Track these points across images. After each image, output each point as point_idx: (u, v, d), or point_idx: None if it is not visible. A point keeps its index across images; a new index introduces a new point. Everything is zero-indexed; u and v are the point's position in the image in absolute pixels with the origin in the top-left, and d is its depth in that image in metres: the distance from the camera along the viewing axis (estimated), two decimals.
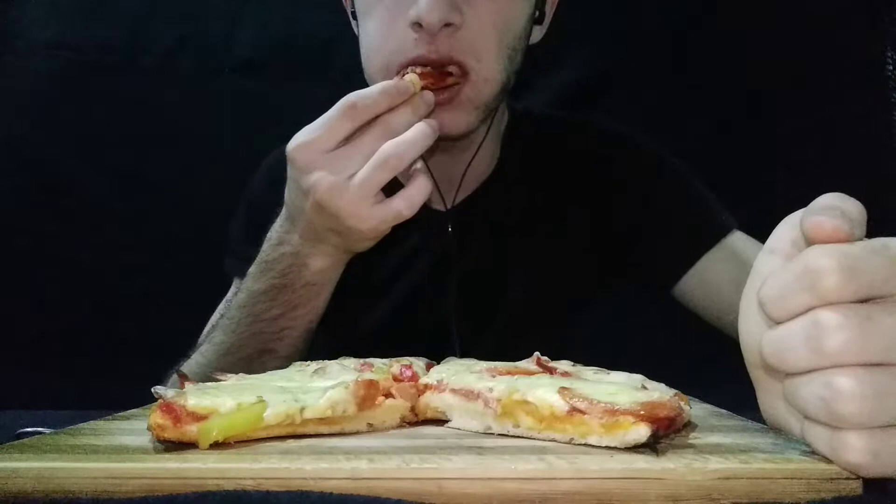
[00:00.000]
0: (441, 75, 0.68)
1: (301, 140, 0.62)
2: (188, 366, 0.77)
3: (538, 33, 0.81)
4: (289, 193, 0.68)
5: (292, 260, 0.69)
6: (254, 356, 0.72)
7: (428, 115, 0.67)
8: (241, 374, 0.52)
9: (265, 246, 0.71)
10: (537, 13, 0.78)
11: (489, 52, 0.70)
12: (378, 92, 0.62)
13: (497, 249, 0.86)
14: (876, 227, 0.35)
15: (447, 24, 0.67)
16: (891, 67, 1.14)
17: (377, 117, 0.62)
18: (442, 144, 0.79)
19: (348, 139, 0.61)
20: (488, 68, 0.71)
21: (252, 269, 0.72)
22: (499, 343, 0.84)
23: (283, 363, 0.70)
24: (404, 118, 0.62)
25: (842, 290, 0.32)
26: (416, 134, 0.62)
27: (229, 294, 0.86)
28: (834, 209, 0.34)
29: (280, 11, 1.22)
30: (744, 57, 1.17)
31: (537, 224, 0.86)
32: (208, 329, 0.82)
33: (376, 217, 0.63)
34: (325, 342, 0.94)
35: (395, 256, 0.86)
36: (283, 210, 0.70)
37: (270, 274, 0.70)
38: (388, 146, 0.61)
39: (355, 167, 0.61)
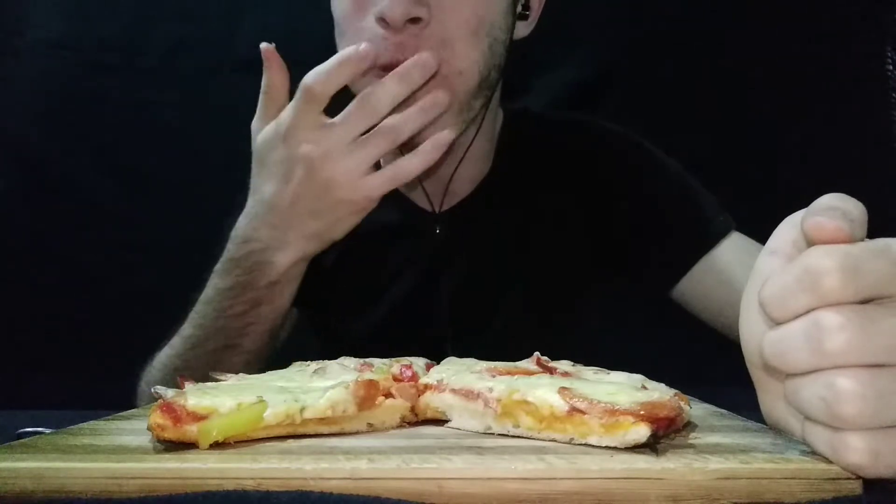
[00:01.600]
0: None
1: (283, 120, 0.65)
2: (159, 358, 0.77)
3: (524, 29, 0.79)
4: (262, 178, 0.68)
5: (258, 257, 0.69)
6: (219, 350, 0.72)
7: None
8: (241, 374, 0.52)
9: (230, 244, 0.71)
10: (520, 7, 0.76)
11: (460, 44, 0.68)
12: (336, 64, 0.63)
13: (493, 252, 0.85)
14: (876, 227, 0.35)
15: (413, 21, 0.65)
16: (891, 67, 1.13)
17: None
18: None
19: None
20: (460, 60, 0.68)
21: (218, 265, 0.72)
22: (495, 346, 0.83)
23: (248, 358, 0.71)
24: (390, 93, 0.63)
25: (843, 291, 0.32)
26: (422, 105, 0.63)
27: None
28: (835, 210, 0.34)
29: (280, 11, 1.22)
30: (744, 57, 1.17)
31: (534, 226, 0.86)
32: None
33: (369, 185, 0.64)
34: (323, 344, 0.94)
35: (390, 259, 0.86)
36: (249, 207, 0.70)
37: (236, 271, 0.70)
38: (388, 118, 0.62)
39: (349, 138, 0.62)
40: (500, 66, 0.73)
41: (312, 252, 0.70)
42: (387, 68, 0.66)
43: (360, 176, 0.63)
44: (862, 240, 0.34)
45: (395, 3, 0.64)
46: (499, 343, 0.83)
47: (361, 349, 0.86)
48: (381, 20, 0.66)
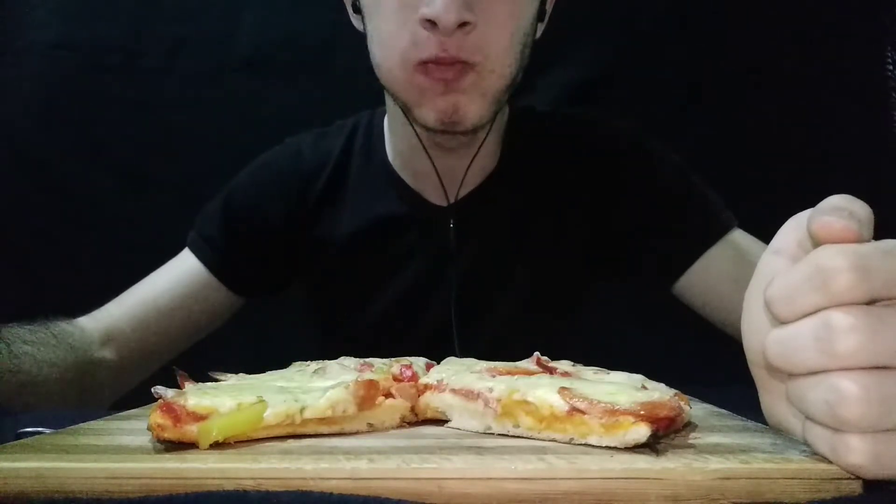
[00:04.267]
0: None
1: None
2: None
3: (539, 30, 0.81)
4: None
5: None
6: None
7: (439, 102, 0.69)
8: (241, 374, 0.52)
9: None
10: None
11: (498, 49, 0.70)
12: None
13: (497, 245, 0.86)
14: (876, 227, 0.35)
15: (462, 24, 0.66)
16: (891, 67, 1.13)
17: None
18: (448, 142, 0.79)
19: None
20: (495, 62, 0.71)
21: None
22: (498, 337, 0.84)
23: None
24: None
25: (854, 291, 0.32)
26: None
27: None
28: (842, 210, 0.33)
29: (280, 11, 1.22)
30: (744, 57, 1.17)
31: (538, 220, 0.86)
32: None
33: None
34: (325, 336, 0.95)
35: (395, 251, 0.86)
36: None
37: None
38: None
39: None
40: (524, 67, 0.76)
41: None
42: (426, 63, 0.69)
43: None
44: (869, 240, 0.33)
45: (448, 9, 0.65)
46: (501, 336, 0.84)
47: (367, 340, 0.87)
48: (430, 22, 0.66)
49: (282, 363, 0.57)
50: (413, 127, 0.80)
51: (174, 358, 0.88)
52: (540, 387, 0.42)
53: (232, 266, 0.88)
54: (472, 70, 0.70)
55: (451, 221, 0.83)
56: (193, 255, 0.88)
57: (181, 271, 0.88)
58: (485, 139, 0.82)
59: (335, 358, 0.55)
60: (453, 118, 0.72)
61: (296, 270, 0.93)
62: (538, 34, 0.80)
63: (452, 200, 0.84)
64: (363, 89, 0.82)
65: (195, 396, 0.40)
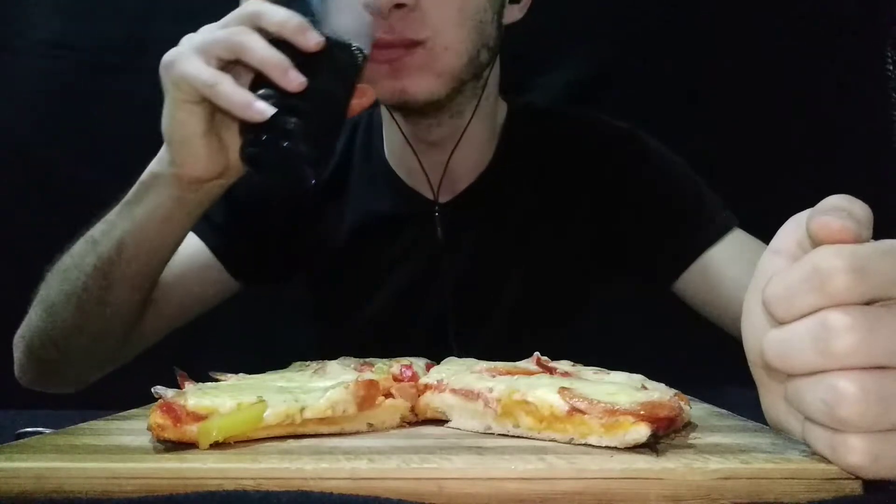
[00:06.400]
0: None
1: None
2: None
3: (517, 13, 0.80)
4: None
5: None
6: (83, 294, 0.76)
7: (385, 84, 0.70)
8: (241, 374, 0.52)
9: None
10: None
11: (446, 24, 0.70)
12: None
13: (494, 242, 0.86)
14: (876, 227, 0.35)
15: (398, 6, 0.66)
16: (891, 67, 1.13)
17: None
18: (429, 134, 0.79)
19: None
20: (448, 38, 0.70)
21: None
22: (496, 337, 0.84)
23: (111, 318, 0.73)
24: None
25: (851, 291, 0.32)
26: (278, 62, 0.58)
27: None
28: (841, 210, 0.34)
29: None
30: (744, 56, 1.17)
31: (536, 218, 0.86)
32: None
33: (182, 63, 0.63)
34: (324, 335, 0.95)
35: (391, 248, 0.87)
36: None
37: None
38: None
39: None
40: (489, 46, 0.75)
41: (173, 161, 0.69)
42: (375, 48, 0.67)
43: (187, 59, 0.62)
44: (868, 241, 0.34)
45: None
46: (501, 334, 0.84)
47: (364, 338, 0.87)
48: (367, 6, 0.66)
49: (282, 363, 0.57)
50: (396, 122, 0.80)
51: (171, 357, 0.88)
52: (540, 387, 0.42)
53: (233, 250, 0.88)
54: (421, 47, 0.69)
55: (443, 217, 0.83)
56: (195, 235, 0.88)
57: (182, 248, 0.87)
58: (464, 132, 0.81)
59: (335, 358, 0.55)
60: (403, 98, 0.72)
61: (297, 264, 0.93)
62: (515, 17, 0.80)
63: (444, 194, 0.85)
64: None
65: (195, 396, 0.40)
